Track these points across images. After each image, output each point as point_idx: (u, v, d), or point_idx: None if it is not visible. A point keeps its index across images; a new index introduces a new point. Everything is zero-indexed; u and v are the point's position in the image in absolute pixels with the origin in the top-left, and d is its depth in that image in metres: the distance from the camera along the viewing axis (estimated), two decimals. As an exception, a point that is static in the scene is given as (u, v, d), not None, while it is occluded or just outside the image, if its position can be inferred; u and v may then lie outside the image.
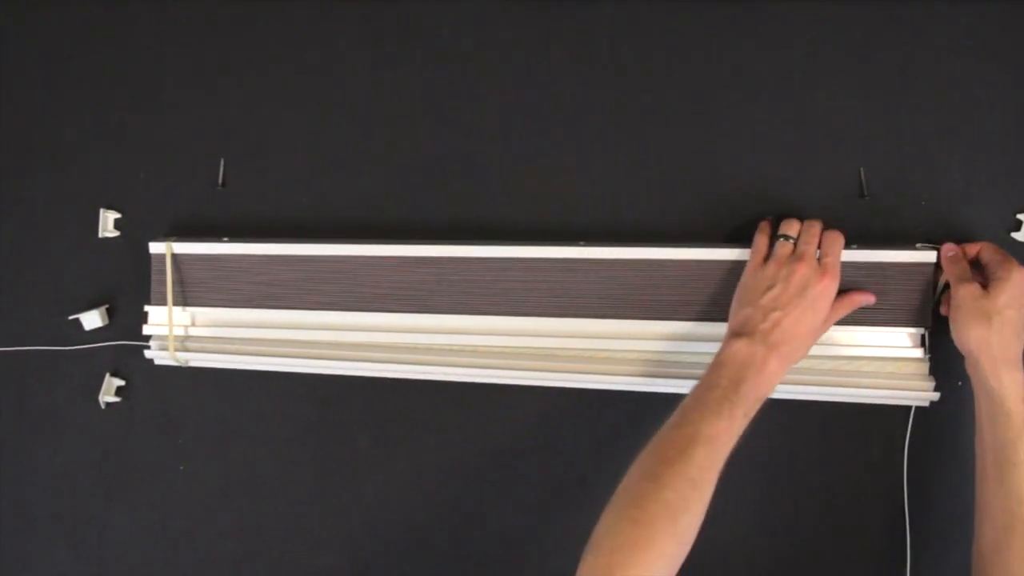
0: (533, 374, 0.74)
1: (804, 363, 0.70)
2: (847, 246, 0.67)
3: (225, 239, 0.78)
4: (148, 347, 0.80)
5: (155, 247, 0.79)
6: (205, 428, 0.82)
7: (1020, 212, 0.71)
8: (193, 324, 0.79)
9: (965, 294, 0.64)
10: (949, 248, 0.68)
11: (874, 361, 0.71)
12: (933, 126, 0.72)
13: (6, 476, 0.85)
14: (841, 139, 0.73)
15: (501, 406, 0.77)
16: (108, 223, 0.82)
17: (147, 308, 0.80)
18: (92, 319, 0.82)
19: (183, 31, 0.82)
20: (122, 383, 0.83)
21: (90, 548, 0.84)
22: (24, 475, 0.84)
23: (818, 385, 0.70)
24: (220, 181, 0.81)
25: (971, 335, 0.63)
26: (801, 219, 0.69)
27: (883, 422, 0.72)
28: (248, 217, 0.81)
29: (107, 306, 0.83)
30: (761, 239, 0.68)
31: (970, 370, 0.65)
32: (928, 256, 0.69)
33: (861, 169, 0.73)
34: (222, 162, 0.81)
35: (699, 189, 0.75)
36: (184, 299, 0.79)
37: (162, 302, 0.79)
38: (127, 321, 0.83)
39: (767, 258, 0.67)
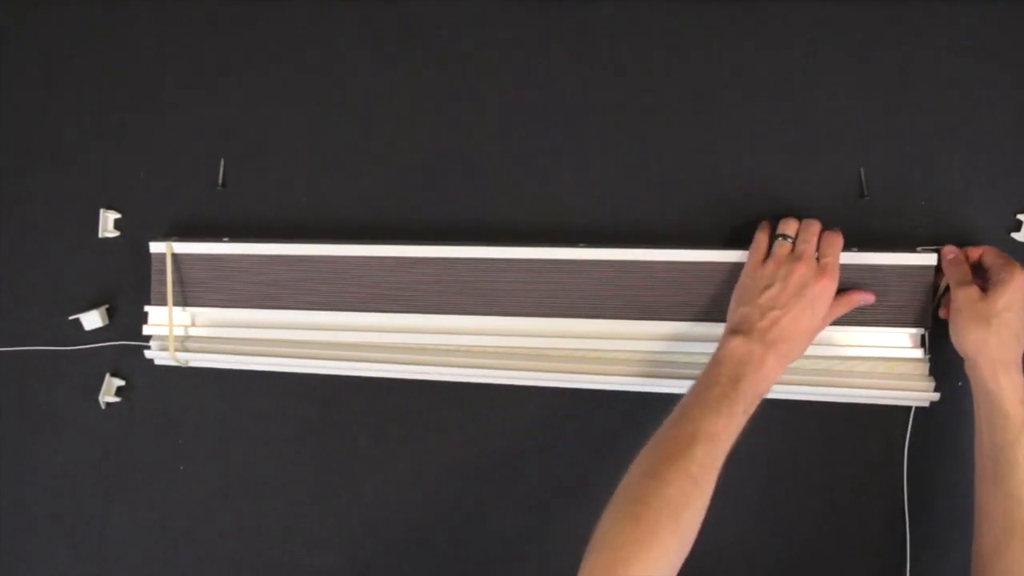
0: (533, 374, 0.74)
1: (804, 363, 0.71)
2: (846, 247, 0.67)
3: (225, 239, 0.78)
4: (148, 347, 0.80)
5: (155, 247, 0.79)
6: (205, 428, 0.82)
7: (1020, 212, 0.71)
8: (193, 324, 0.79)
9: (964, 297, 0.64)
10: (949, 251, 0.68)
11: (874, 361, 0.71)
12: (933, 126, 0.72)
13: (6, 476, 0.85)
14: (841, 139, 0.73)
15: (501, 406, 0.77)
16: (108, 223, 0.82)
17: (147, 308, 0.80)
18: (92, 319, 0.82)
19: (183, 31, 0.82)
20: (122, 383, 0.83)
21: (90, 548, 0.84)
22: (24, 475, 0.85)
23: (819, 385, 0.70)
24: (220, 181, 0.81)
25: (970, 337, 0.63)
26: (800, 219, 0.69)
27: (883, 422, 0.72)
28: (248, 217, 0.81)
29: (107, 306, 0.83)
30: (761, 238, 0.68)
31: (969, 372, 0.65)
32: (929, 258, 0.69)
33: (861, 169, 0.73)
34: (222, 162, 0.81)
35: (699, 189, 0.75)
36: (184, 299, 0.79)
37: (162, 302, 0.79)
38: (127, 321, 0.82)
39: (767, 257, 0.67)
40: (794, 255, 0.66)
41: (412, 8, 0.79)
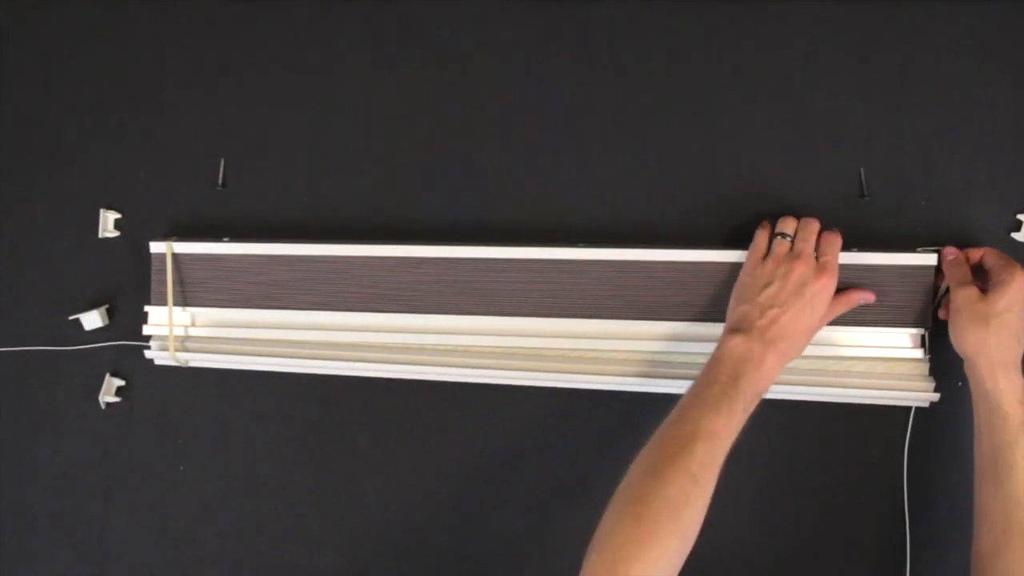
0: (533, 374, 0.74)
1: (804, 364, 0.71)
2: (846, 247, 0.67)
3: (225, 239, 0.78)
4: (148, 347, 0.80)
5: (155, 247, 0.79)
6: (205, 428, 0.82)
7: (1020, 212, 0.71)
8: (193, 324, 0.79)
9: (964, 297, 0.64)
10: (950, 252, 0.68)
11: (874, 361, 0.71)
12: (933, 126, 0.72)
13: (6, 476, 0.85)
14: (841, 139, 0.73)
15: (501, 406, 0.77)
16: (108, 223, 0.82)
17: (147, 308, 0.80)
18: (92, 319, 0.82)
19: (183, 31, 0.82)
20: (122, 383, 0.83)
21: (90, 548, 0.84)
22: (24, 475, 0.85)
23: (818, 386, 0.70)
24: (220, 181, 0.81)
25: (969, 338, 0.63)
26: (799, 218, 0.69)
27: (883, 422, 0.72)
28: (248, 217, 0.81)
29: (107, 306, 0.83)
30: (760, 236, 0.68)
31: (968, 373, 0.65)
32: (929, 259, 0.69)
33: (861, 169, 0.72)
34: (222, 162, 0.81)
35: (699, 189, 0.75)
36: (184, 299, 0.79)
37: (162, 302, 0.79)
38: (127, 321, 0.83)
39: (766, 256, 0.67)
40: (793, 253, 0.66)
41: (412, 8, 0.79)
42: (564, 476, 0.77)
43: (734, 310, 0.66)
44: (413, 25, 0.79)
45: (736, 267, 0.69)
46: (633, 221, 0.75)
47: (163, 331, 0.79)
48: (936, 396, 0.69)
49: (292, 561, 0.81)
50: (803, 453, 0.74)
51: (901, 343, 0.70)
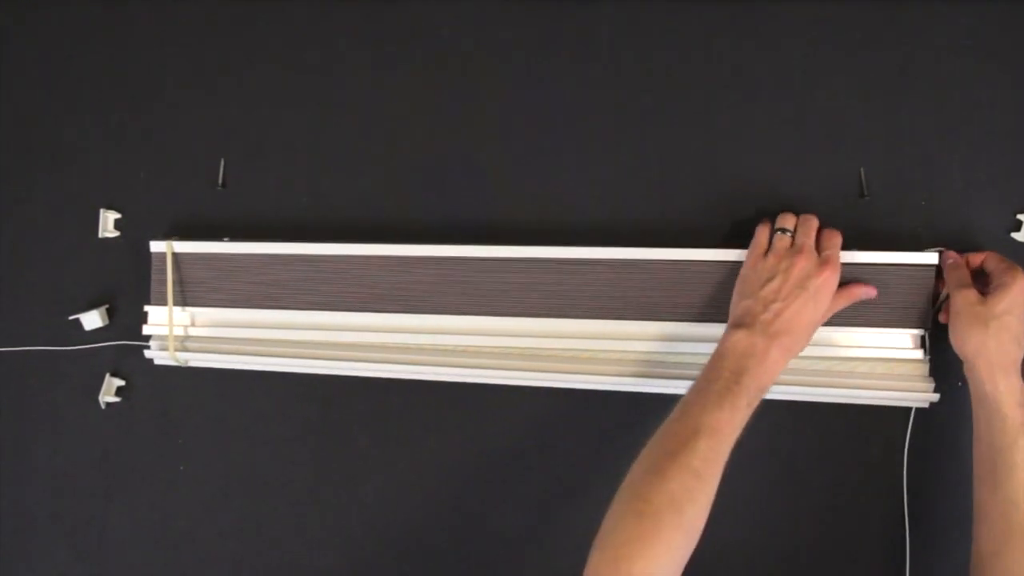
0: (533, 375, 0.74)
1: (805, 364, 0.71)
2: (846, 248, 0.67)
3: (225, 239, 0.78)
4: (148, 347, 0.80)
5: (155, 247, 0.79)
6: (205, 428, 0.82)
7: (1020, 212, 0.71)
8: (193, 324, 0.79)
9: (963, 299, 0.64)
10: (950, 255, 0.68)
11: (874, 362, 0.70)
12: (933, 126, 0.72)
13: (6, 476, 0.85)
14: (841, 139, 0.73)
15: (502, 406, 0.77)
16: (108, 223, 0.82)
17: (147, 308, 0.80)
18: (92, 319, 0.82)
19: (183, 31, 0.82)
20: (122, 383, 0.83)
21: (90, 548, 0.84)
22: (24, 475, 0.85)
23: (819, 386, 0.70)
24: (220, 181, 0.81)
25: (968, 340, 0.63)
26: (798, 215, 0.69)
27: (883, 423, 0.72)
28: (248, 217, 0.81)
29: (107, 306, 0.83)
30: (762, 232, 0.68)
31: (968, 375, 0.65)
32: (929, 257, 0.69)
33: (861, 169, 0.72)
34: (222, 162, 0.81)
35: (699, 189, 0.75)
36: (184, 299, 0.79)
37: (162, 302, 0.79)
38: (127, 321, 0.83)
39: (767, 252, 0.67)
40: (795, 248, 0.66)
41: (412, 8, 0.79)
42: (563, 476, 0.77)
43: (736, 305, 0.66)
44: (413, 25, 0.79)
45: (736, 266, 0.69)
46: (633, 221, 0.75)
47: (163, 331, 0.79)
48: (936, 397, 0.69)
49: (292, 561, 0.81)
50: (803, 453, 0.74)
51: (901, 344, 0.70)
